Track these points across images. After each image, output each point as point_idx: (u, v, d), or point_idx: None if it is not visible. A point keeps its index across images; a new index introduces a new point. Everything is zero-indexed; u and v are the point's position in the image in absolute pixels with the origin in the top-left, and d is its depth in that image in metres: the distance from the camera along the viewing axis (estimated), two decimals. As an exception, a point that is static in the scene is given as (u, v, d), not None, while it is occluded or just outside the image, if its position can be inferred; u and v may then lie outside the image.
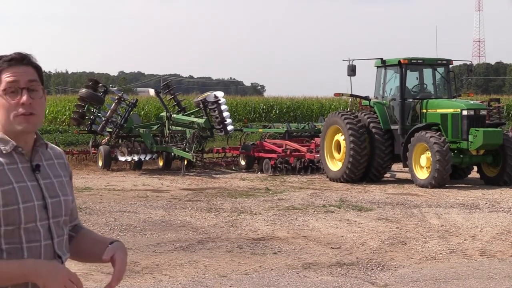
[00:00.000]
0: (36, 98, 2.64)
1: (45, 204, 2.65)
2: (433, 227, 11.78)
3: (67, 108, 39.00)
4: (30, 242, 2.61)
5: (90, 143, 24.02)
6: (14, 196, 2.58)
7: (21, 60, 2.65)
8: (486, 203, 14.63)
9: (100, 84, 24.38)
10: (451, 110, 18.25)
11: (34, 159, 2.69)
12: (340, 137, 19.27)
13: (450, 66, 19.83)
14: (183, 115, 23.51)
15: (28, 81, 2.63)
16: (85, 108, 23.29)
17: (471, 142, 17.65)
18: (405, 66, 18.96)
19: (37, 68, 2.70)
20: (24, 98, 2.60)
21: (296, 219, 12.55)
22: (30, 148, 2.70)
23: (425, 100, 18.86)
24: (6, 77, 2.62)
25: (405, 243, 10.46)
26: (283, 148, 21.90)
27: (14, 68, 2.63)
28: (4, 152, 2.62)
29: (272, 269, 8.82)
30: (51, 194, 2.69)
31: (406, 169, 18.67)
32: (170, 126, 22.54)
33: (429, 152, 17.40)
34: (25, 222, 2.59)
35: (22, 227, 2.59)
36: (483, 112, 18.48)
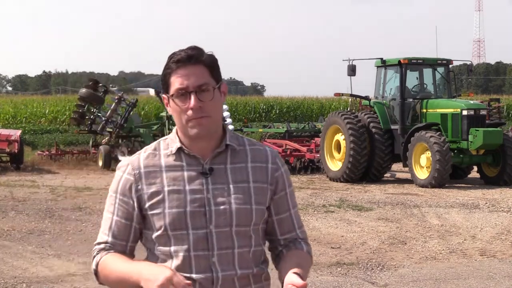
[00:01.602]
0: (206, 100, 2.44)
1: (205, 211, 2.46)
2: (433, 227, 11.78)
3: (67, 108, 39.01)
4: (178, 250, 2.46)
5: (90, 143, 24.07)
6: (161, 200, 2.45)
7: (189, 59, 2.44)
8: (486, 203, 14.63)
9: (100, 84, 24.40)
10: (451, 110, 18.25)
11: (212, 162, 2.50)
12: (340, 137, 19.27)
13: (450, 66, 19.82)
14: (183, 115, 23.51)
15: (196, 84, 2.43)
16: (85, 108, 23.33)
17: (471, 142, 17.65)
18: (405, 66, 18.96)
19: (209, 65, 2.47)
20: (192, 103, 2.43)
21: (296, 219, 12.53)
22: (209, 150, 2.51)
23: (425, 100, 18.86)
24: (175, 81, 2.45)
25: (405, 243, 10.46)
26: (283, 148, 21.91)
27: (182, 70, 2.45)
28: (168, 153, 2.51)
29: (272, 268, 8.80)
30: (219, 200, 2.46)
31: (406, 169, 18.67)
32: (170, 126, 22.53)
33: (429, 152, 17.40)
34: (171, 228, 2.44)
35: (170, 234, 2.45)
36: (483, 112, 18.48)
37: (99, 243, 2.57)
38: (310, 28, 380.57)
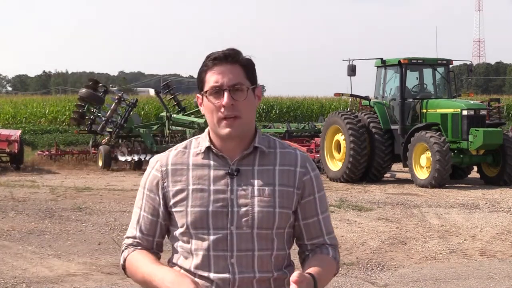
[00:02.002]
0: (240, 99, 2.44)
1: (228, 212, 2.45)
2: (433, 227, 11.77)
3: (67, 108, 39.01)
4: (198, 249, 2.47)
5: (90, 143, 24.07)
6: (185, 198, 2.47)
7: (225, 58, 2.46)
8: (486, 203, 14.62)
9: (100, 84, 24.41)
10: (451, 110, 18.25)
11: (239, 163, 2.49)
12: (340, 137, 19.27)
13: (450, 66, 19.81)
14: (183, 115, 23.50)
15: (230, 82, 2.44)
16: (85, 108, 23.33)
17: (471, 142, 17.64)
18: (405, 66, 18.95)
19: (245, 66, 2.49)
20: (225, 100, 2.43)
21: (296, 219, 12.52)
22: (238, 151, 2.50)
23: (425, 100, 18.85)
24: (210, 78, 2.47)
25: (405, 243, 10.46)
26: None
27: (218, 68, 2.46)
28: (197, 152, 2.53)
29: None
30: (242, 202, 2.45)
31: (406, 169, 18.66)
32: (170, 126, 22.54)
33: (429, 152, 17.40)
34: (193, 227, 2.46)
35: (191, 232, 2.47)
36: (483, 112, 18.47)
37: (128, 237, 2.61)
38: (310, 28, 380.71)
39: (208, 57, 2.50)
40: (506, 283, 8.20)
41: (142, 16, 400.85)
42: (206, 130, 2.57)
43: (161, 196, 2.53)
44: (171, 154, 2.56)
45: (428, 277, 8.46)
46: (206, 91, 2.47)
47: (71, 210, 13.27)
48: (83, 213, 12.88)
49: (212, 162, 2.50)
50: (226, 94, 2.44)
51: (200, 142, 2.55)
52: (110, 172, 21.11)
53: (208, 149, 2.51)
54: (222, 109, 2.44)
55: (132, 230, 2.60)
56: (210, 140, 2.52)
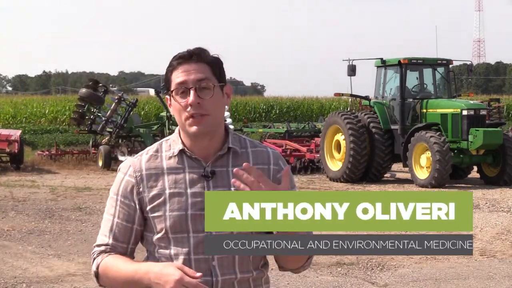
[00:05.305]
0: (206, 97, 2.42)
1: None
2: (433, 227, 11.76)
3: (67, 108, 39.00)
4: (178, 253, 2.44)
5: (90, 143, 24.07)
6: (162, 203, 2.44)
7: (189, 57, 2.44)
8: (486, 203, 14.62)
9: (100, 84, 24.42)
10: (451, 110, 18.25)
11: (214, 165, 2.47)
12: (340, 137, 19.27)
13: (450, 66, 19.83)
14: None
15: (196, 80, 2.42)
16: (85, 108, 23.34)
17: (471, 142, 17.65)
18: (405, 66, 18.96)
19: (211, 64, 2.46)
20: (191, 99, 2.40)
21: (296, 219, 12.52)
22: (210, 152, 2.48)
23: (425, 100, 18.86)
24: (175, 77, 2.45)
25: (405, 243, 10.45)
26: (283, 148, 21.90)
27: (183, 67, 2.44)
28: (170, 155, 2.49)
29: (272, 269, 8.78)
30: None
31: (406, 169, 18.66)
32: (170, 126, 22.53)
33: (429, 152, 17.40)
34: (172, 231, 2.43)
35: (170, 237, 2.44)
36: (483, 112, 18.48)
37: (99, 245, 2.56)
38: (310, 27, 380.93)
39: (174, 57, 2.48)
40: (506, 283, 8.20)
41: (142, 16, 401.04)
42: (176, 131, 2.54)
43: (136, 202, 2.49)
44: (143, 159, 2.51)
45: (428, 277, 8.46)
46: (172, 91, 2.45)
47: (71, 210, 13.28)
48: (83, 213, 12.89)
49: (186, 165, 2.47)
50: (192, 92, 2.41)
51: (172, 144, 2.52)
52: (110, 172, 21.09)
53: (181, 152, 2.49)
54: (189, 108, 2.41)
55: (104, 238, 2.54)
56: (182, 142, 2.50)
